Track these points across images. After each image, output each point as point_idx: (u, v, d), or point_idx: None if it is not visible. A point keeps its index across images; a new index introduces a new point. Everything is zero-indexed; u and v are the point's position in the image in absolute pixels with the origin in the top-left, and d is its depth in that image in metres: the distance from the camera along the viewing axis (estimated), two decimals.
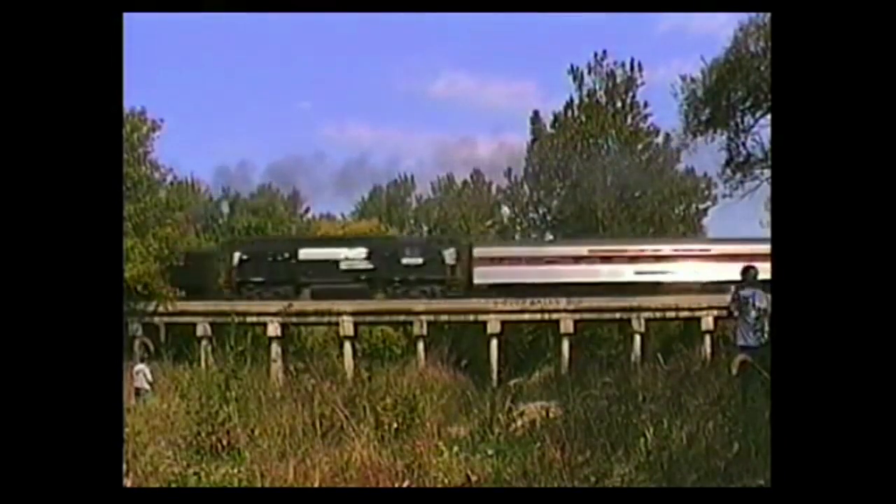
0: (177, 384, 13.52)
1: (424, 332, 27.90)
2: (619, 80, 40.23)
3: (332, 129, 72.31)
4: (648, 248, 30.70)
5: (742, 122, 21.98)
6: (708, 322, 26.28)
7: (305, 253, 29.90)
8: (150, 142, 26.43)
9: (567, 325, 28.08)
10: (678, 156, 35.37)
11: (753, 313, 8.87)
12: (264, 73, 72.57)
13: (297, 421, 7.60)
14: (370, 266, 29.88)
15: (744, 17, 20.40)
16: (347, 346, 25.72)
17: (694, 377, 11.09)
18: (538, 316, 29.09)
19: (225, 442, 7.58)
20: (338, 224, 45.17)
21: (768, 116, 19.85)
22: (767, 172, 20.51)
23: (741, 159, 22.32)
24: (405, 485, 5.81)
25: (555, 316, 28.36)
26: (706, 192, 39.48)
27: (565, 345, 27.79)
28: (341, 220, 47.27)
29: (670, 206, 39.84)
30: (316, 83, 71.54)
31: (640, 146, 40.14)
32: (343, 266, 29.71)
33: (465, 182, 48.92)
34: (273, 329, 26.51)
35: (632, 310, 27.96)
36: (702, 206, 40.53)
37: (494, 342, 28.06)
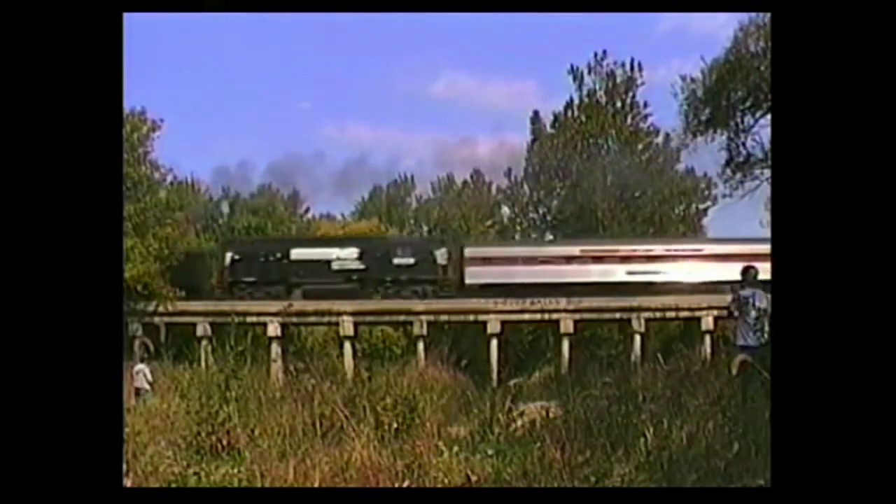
0: (177, 384, 13.53)
1: (424, 332, 27.91)
2: (619, 80, 40.25)
3: (332, 129, 72.44)
4: (640, 249, 30.71)
5: (742, 122, 21.96)
6: (708, 322, 26.31)
7: (297, 253, 29.87)
8: (150, 142, 26.50)
9: (567, 325, 28.11)
10: (678, 156, 35.42)
11: (753, 313, 8.87)
12: (264, 73, 72.75)
13: (297, 421, 7.60)
14: (362, 266, 29.87)
15: (744, 17, 20.43)
16: (347, 346, 25.76)
17: (694, 377, 11.07)
18: (538, 316, 29.10)
19: (225, 442, 7.58)
20: (338, 224, 45.15)
21: (768, 116, 19.86)
22: (767, 172, 20.50)
23: (741, 159, 22.30)
24: (405, 485, 5.81)
25: (555, 316, 28.38)
26: (706, 192, 39.51)
27: (565, 345, 27.82)
28: (341, 220, 47.29)
29: (670, 206, 39.85)
30: (316, 83, 71.71)
31: (640, 146, 40.15)
32: (335, 266, 29.70)
33: (465, 182, 48.92)
34: (273, 329, 26.54)
35: (632, 310, 27.97)
36: (702, 206, 40.56)
37: (494, 342, 28.07)
